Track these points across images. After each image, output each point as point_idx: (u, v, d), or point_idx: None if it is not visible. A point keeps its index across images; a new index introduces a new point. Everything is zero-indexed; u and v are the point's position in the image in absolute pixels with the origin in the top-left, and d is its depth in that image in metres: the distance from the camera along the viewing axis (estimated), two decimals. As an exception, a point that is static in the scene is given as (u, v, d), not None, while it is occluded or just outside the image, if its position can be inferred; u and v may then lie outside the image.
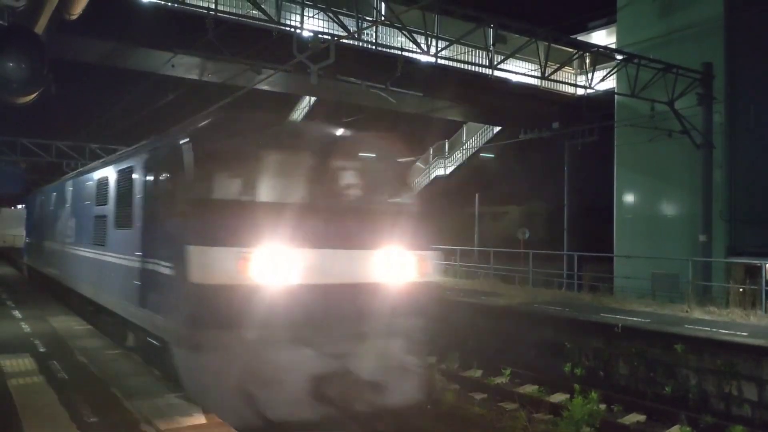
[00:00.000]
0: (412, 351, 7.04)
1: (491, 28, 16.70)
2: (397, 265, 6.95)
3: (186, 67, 17.53)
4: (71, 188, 13.00)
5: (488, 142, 28.27)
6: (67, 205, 13.27)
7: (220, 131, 6.95)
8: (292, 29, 14.76)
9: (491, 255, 22.57)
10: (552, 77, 18.07)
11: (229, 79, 18.86)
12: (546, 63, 17.07)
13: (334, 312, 6.46)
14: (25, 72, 6.37)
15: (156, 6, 14.63)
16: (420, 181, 31.72)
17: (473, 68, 18.39)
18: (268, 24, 14.54)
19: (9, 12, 6.74)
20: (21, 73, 6.36)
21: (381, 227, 6.98)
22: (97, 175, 10.50)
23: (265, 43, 14.64)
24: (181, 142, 6.80)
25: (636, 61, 17.81)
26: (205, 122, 7.18)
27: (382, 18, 16.61)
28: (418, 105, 22.02)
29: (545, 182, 27.53)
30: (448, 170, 30.51)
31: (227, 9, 15.12)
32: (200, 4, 14.37)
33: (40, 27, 7.31)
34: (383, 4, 16.65)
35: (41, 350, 8.20)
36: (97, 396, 6.05)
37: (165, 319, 6.70)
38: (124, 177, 8.80)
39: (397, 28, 16.32)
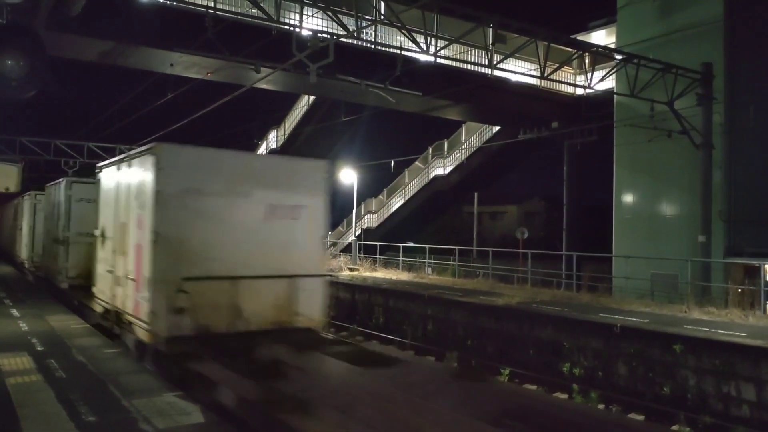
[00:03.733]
0: None
1: (491, 27, 16.66)
2: None
3: (185, 65, 17.51)
4: None
5: (488, 141, 28.24)
6: None
7: None
8: (292, 28, 14.73)
9: (490, 255, 22.52)
10: (551, 77, 18.01)
11: (228, 78, 18.89)
12: (545, 62, 17.02)
13: None
14: (24, 69, 6.34)
15: (155, 4, 14.60)
16: (419, 181, 31.72)
17: (473, 67, 18.37)
18: (267, 23, 14.50)
19: (8, 9, 6.71)
20: (20, 70, 6.33)
21: None
22: None
23: (264, 42, 14.61)
24: None
25: (635, 61, 17.78)
26: None
27: (382, 17, 16.57)
28: (417, 104, 22.00)
29: (544, 182, 27.49)
30: (447, 170, 30.47)
31: (226, 7, 15.09)
32: (199, 2, 14.32)
33: (39, 24, 7.29)
34: (382, 3, 16.59)
35: (39, 349, 8.18)
36: (95, 394, 6.04)
37: None
38: None
39: (397, 27, 16.28)
